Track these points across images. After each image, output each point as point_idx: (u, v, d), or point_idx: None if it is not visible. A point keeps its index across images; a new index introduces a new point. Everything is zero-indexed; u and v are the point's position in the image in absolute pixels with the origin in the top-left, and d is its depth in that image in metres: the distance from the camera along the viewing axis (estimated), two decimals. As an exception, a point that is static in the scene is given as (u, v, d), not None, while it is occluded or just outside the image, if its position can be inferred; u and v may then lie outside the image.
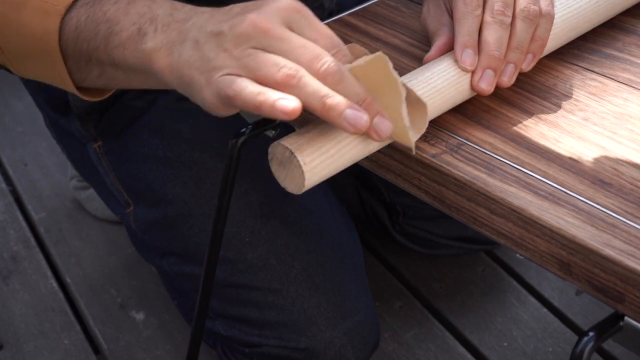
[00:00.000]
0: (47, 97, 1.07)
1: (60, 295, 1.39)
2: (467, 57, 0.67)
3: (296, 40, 0.56)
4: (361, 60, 0.57)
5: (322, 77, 0.55)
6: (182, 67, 0.59)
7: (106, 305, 1.37)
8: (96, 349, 1.31)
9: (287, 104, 0.54)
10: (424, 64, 0.70)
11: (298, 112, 0.54)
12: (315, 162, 0.57)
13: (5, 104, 1.85)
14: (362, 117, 0.55)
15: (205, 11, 0.61)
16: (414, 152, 0.62)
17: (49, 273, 1.44)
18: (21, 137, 1.76)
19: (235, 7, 0.59)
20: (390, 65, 0.56)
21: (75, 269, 1.44)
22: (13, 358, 1.28)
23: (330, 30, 0.59)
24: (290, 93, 0.55)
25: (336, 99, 0.55)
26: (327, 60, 0.56)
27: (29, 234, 1.52)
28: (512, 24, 0.67)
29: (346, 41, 0.79)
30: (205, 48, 0.57)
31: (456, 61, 0.67)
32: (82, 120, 1.03)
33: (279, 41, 0.56)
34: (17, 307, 1.37)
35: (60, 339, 1.31)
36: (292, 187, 0.59)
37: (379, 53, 0.56)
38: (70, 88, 0.70)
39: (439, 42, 0.71)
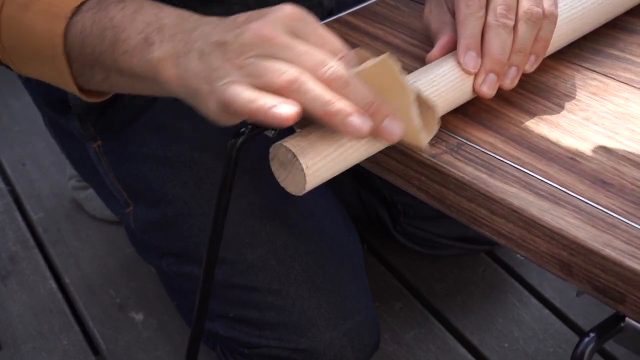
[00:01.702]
0: (46, 96, 1.07)
1: (59, 295, 1.39)
2: (470, 59, 0.66)
3: (300, 46, 0.56)
4: (367, 64, 0.56)
5: (328, 82, 0.55)
6: (189, 78, 0.58)
7: (105, 305, 1.37)
8: (95, 349, 1.31)
9: (282, 110, 0.53)
10: (426, 62, 0.70)
11: (294, 119, 0.53)
12: (317, 166, 0.57)
13: (4, 103, 1.85)
14: (365, 123, 0.54)
15: (212, 21, 0.61)
16: (426, 153, 0.62)
17: (48, 273, 1.44)
18: (20, 137, 1.76)
19: (240, 17, 0.59)
20: (398, 67, 0.56)
21: (73, 269, 1.44)
22: (11, 359, 1.28)
23: (335, 36, 0.58)
24: (292, 98, 0.54)
25: (339, 105, 0.54)
26: (332, 65, 0.55)
27: (27, 234, 1.52)
28: (515, 26, 0.67)
29: (346, 41, 0.80)
30: (210, 58, 0.57)
31: (459, 63, 0.67)
32: (81, 120, 1.03)
33: (282, 49, 0.55)
34: (15, 307, 1.37)
35: (59, 339, 1.31)
36: (293, 188, 0.58)
37: (386, 55, 0.56)
38: (74, 90, 0.70)
39: (441, 41, 0.70)
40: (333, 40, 0.58)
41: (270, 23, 0.56)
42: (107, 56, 0.64)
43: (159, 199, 1.01)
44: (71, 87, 0.70)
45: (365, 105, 0.55)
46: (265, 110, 0.53)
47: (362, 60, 0.57)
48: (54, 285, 1.41)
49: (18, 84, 1.18)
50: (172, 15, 0.63)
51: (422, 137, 0.59)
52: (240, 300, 0.99)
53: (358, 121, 0.54)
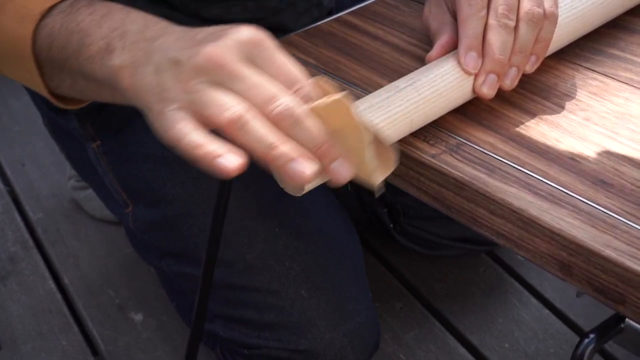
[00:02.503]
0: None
1: (58, 296, 1.39)
2: (471, 59, 0.66)
3: (251, 78, 0.53)
4: (322, 101, 0.53)
5: (276, 120, 0.52)
6: (143, 90, 0.57)
7: (104, 306, 1.37)
8: (94, 350, 1.31)
9: (227, 162, 0.51)
10: (426, 62, 0.69)
11: (239, 171, 0.51)
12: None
13: (3, 103, 1.85)
14: (307, 169, 0.51)
15: (175, 31, 0.59)
16: (376, 195, 0.57)
17: (47, 274, 1.43)
18: (19, 137, 1.76)
19: (200, 33, 0.56)
20: (353, 109, 0.52)
21: (73, 269, 1.44)
22: (11, 359, 1.28)
23: (293, 63, 0.54)
24: (234, 137, 0.52)
25: (282, 149, 0.51)
26: (282, 102, 0.52)
27: (26, 234, 1.52)
28: (516, 26, 0.66)
29: (346, 41, 0.80)
30: (164, 76, 0.55)
31: (459, 63, 0.66)
32: (80, 120, 1.02)
33: (234, 78, 0.53)
34: (14, 308, 1.36)
35: (58, 340, 1.31)
36: (291, 189, 0.58)
37: (341, 95, 0.52)
38: (46, 94, 0.69)
39: (441, 41, 0.70)
40: (290, 69, 0.54)
41: (225, 47, 0.53)
42: (73, 61, 0.64)
43: (158, 199, 1.01)
44: (43, 91, 0.69)
45: (314, 147, 0.52)
46: (210, 159, 0.51)
47: (322, 90, 0.54)
48: (53, 285, 1.41)
49: (17, 83, 1.17)
50: (137, 21, 0.61)
51: (375, 177, 0.55)
52: (239, 301, 0.99)
53: (299, 167, 0.51)
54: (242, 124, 0.51)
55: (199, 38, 0.56)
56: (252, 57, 0.54)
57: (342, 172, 0.54)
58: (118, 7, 0.64)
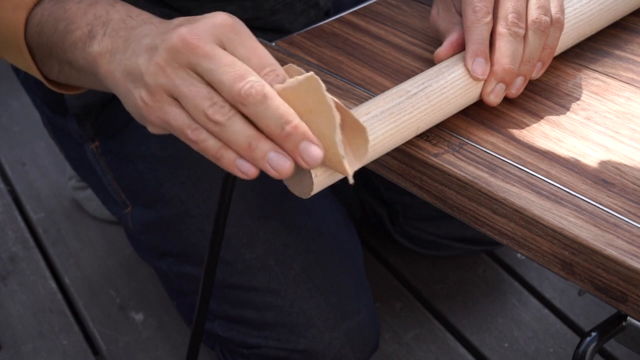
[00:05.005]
0: (44, 96, 1.07)
1: (59, 296, 1.39)
2: (478, 66, 0.66)
3: (223, 58, 0.54)
4: (292, 82, 0.53)
5: (244, 97, 0.52)
6: (120, 77, 0.59)
7: (105, 306, 1.37)
8: (95, 349, 1.31)
9: (247, 170, 0.54)
10: (435, 59, 0.69)
11: (256, 175, 0.54)
12: (326, 174, 0.57)
13: (2, 103, 1.85)
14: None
15: (154, 22, 0.61)
16: (351, 181, 0.55)
17: (48, 274, 1.43)
18: (19, 137, 1.76)
19: (176, 20, 0.58)
20: (323, 87, 0.52)
21: (73, 269, 1.44)
22: (12, 359, 1.28)
23: (265, 49, 0.56)
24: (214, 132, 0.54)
25: (258, 149, 0.53)
26: (251, 80, 0.53)
27: (27, 234, 1.52)
28: (525, 35, 0.67)
29: (348, 41, 0.80)
30: (139, 60, 0.57)
31: (467, 70, 0.66)
32: (79, 120, 1.03)
33: (205, 59, 0.54)
34: (15, 308, 1.36)
35: (58, 340, 1.31)
36: (298, 191, 0.58)
37: (310, 74, 0.52)
38: (41, 79, 0.72)
39: (451, 37, 0.70)
40: (262, 53, 0.55)
41: (198, 30, 0.55)
42: (59, 47, 0.66)
43: (157, 199, 1.01)
44: (39, 77, 0.72)
45: (280, 125, 0.52)
46: (228, 164, 0.55)
47: (292, 77, 0.54)
48: (54, 285, 1.41)
49: (16, 84, 1.18)
50: (121, 11, 0.63)
51: (346, 163, 0.54)
52: (239, 301, 0.99)
53: (278, 162, 0.53)
54: (219, 125, 0.54)
55: (175, 23, 0.57)
56: (225, 41, 0.55)
57: (311, 153, 0.53)
58: None
